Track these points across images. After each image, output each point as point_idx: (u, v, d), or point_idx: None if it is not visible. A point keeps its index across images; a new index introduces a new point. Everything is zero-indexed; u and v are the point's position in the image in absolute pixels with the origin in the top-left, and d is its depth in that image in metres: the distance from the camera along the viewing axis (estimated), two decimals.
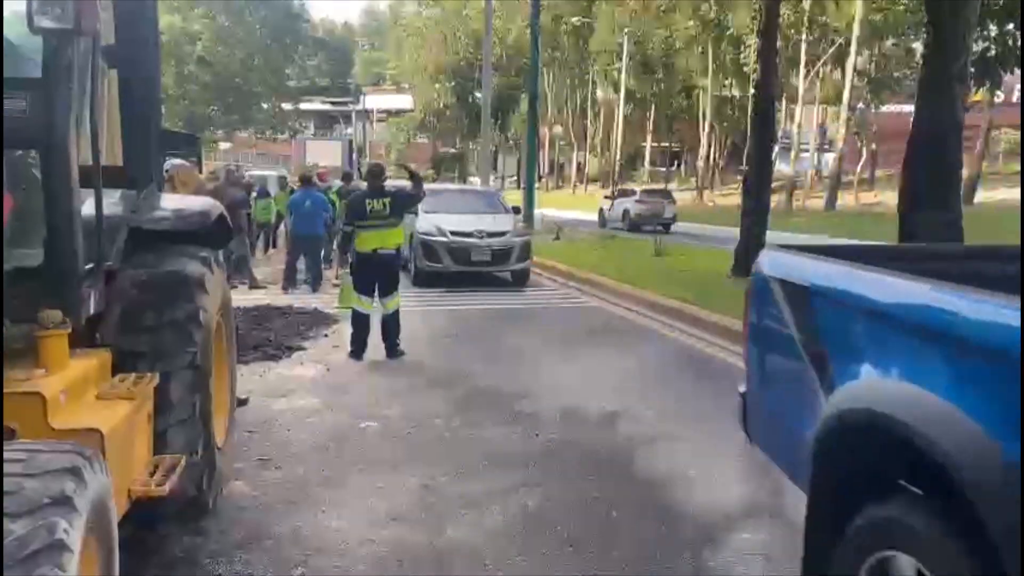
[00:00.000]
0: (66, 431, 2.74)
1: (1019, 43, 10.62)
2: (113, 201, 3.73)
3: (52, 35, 2.81)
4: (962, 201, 9.44)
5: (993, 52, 10.78)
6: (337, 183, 17.61)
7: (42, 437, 2.61)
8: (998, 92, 31.06)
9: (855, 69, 36.07)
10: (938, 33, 8.70)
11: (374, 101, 73.21)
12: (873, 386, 2.23)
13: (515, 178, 58.16)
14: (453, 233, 13.15)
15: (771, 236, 13.74)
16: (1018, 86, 34.53)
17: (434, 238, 13.10)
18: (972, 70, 10.33)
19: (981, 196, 32.64)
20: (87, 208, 3.18)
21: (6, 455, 2.14)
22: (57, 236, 3.04)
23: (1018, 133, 32.55)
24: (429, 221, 13.35)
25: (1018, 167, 32.22)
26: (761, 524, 4.14)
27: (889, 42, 38.05)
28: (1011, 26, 10.67)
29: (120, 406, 3.13)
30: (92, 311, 3.42)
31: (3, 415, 2.49)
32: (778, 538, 3.99)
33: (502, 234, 13.46)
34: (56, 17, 2.66)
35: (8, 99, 2.87)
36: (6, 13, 3.03)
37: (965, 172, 17.58)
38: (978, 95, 26.17)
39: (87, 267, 3.22)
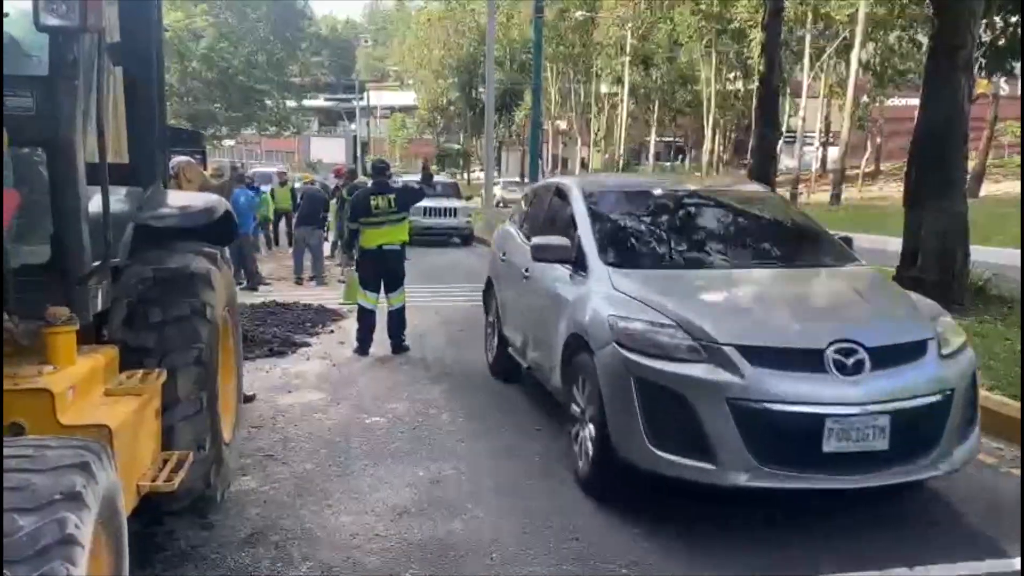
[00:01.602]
0: (75, 427, 2.76)
1: (1022, 34, 10.58)
2: (119, 198, 3.74)
3: (58, 33, 2.82)
4: (968, 194, 9.40)
5: (1003, 42, 10.73)
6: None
7: (51, 433, 2.63)
8: (1003, 85, 30.92)
9: (860, 62, 35.91)
10: (943, 24, 8.67)
11: (378, 97, 73.19)
12: None
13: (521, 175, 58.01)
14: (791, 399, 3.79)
15: None
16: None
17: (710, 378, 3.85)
18: (984, 60, 10.29)
19: (987, 189, 32.55)
20: (93, 205, 3.20)
21: (16, 451, 2.16)
22: (64, 233, 3.06)
23: None
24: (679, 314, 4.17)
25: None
26: (766, 518, 4.14)
27: (894, 34, 37.88)
28: (1014, 19, 10.62)
29: (128, 402, 3.15)
30: (99, 308, 3.44)
31: (3, 412, 2.50)
32: (785, 531, 4.00)
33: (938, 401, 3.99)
34: (62, 15, 2.67)
35: (15, 97, 2.88)
36: (13, 11, 3.04)
37: (971, 164, 17.51)
38: (983, 87, 26.06)
39: (94, 264, 3.23)
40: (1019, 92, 30.24)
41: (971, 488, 4.56)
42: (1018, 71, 13.71)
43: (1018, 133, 36.62)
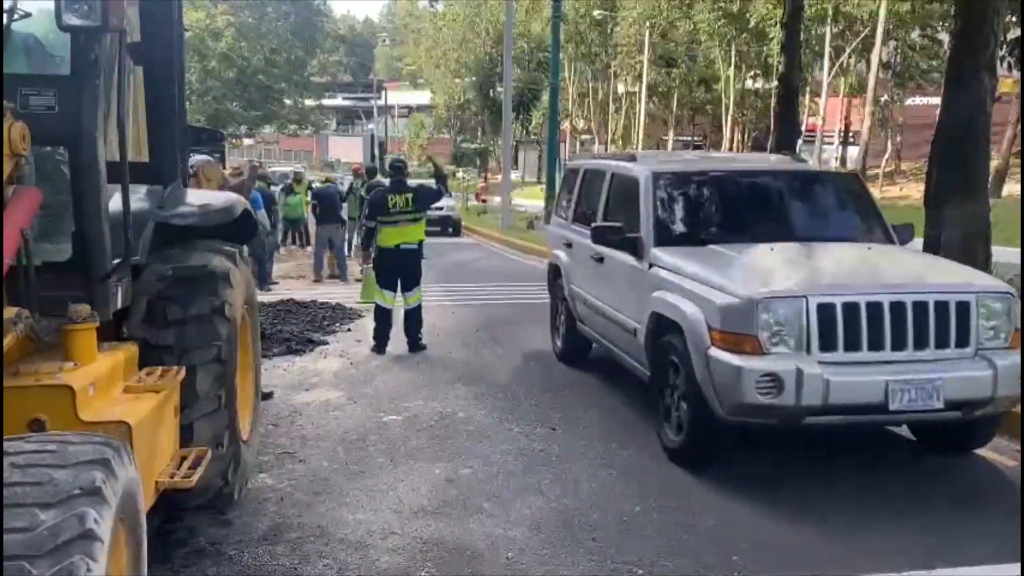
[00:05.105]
0: (95, 423, 2.78)
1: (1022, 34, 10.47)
2: (139, 197, 3.77)
3: (80, 33, 2.85)
4: (990, 194, 9.30)
5: None
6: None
7: (71, 429, 2.65)
8: None
9: (880, 61, 35.59)
10: (966, 23, 8.56)
11: (395, 97, 73.42)
12: None
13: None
14: None
15: None
16: None
17: None
18: (1012, 58, 10.17)
19: (1009, 189, 32.17)
20: (114, 204, 3.23)
21: (37, 447, 2.18)
22: (85, 231, 3.09)
23: None
24: None
25: None
26: (782, 516, 4.12)
27: (915, 33, 37.53)
28: None
29: (147, 399, 3.17)
30: (119, 305, 3.47)
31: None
32: (797, 533, 3.97)
33: None
34: (84, 15, 2.70)
35: (37, 96, 2.92)
36: (36, 11, 3.08)
37: (993, 165, 17.33)
38: (1007, 86, 25.75)
39: (115, 262, 3.26)
40: (1020, 92, 29.87)
41: (987, 491, 4.51)
42: None
43: None
